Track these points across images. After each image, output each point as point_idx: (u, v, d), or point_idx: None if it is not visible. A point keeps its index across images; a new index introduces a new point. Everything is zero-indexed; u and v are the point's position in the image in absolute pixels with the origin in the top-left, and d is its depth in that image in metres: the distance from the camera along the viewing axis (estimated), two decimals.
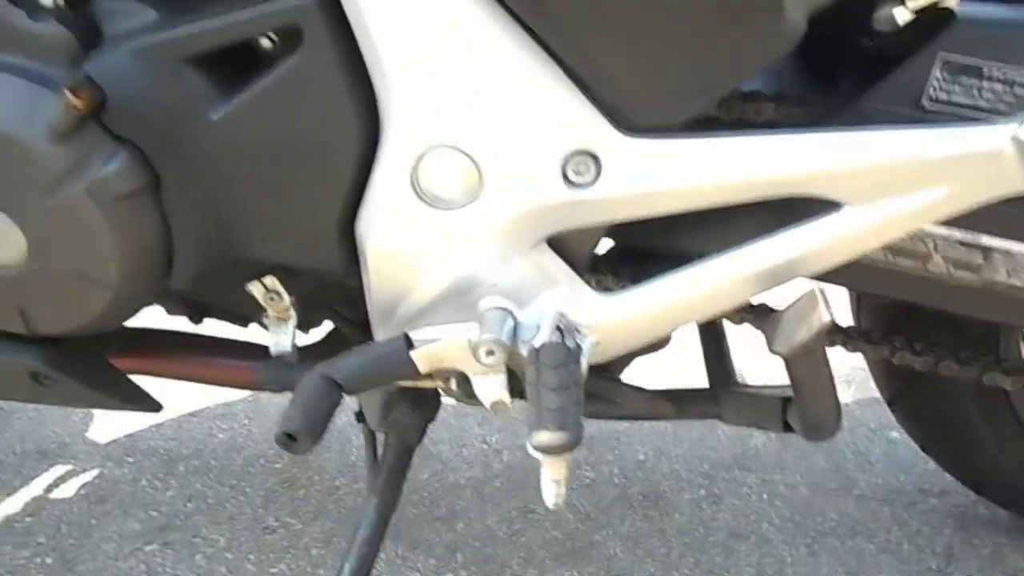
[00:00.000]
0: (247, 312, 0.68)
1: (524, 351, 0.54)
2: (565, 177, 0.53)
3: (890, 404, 0.85)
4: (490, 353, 0.55)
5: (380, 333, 0.61)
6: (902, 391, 0.82)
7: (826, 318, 0.51)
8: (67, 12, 0.54)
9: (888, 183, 0.51)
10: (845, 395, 1.11)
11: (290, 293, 0.65)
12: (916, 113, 0.54)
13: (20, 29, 0.53)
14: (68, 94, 0.51)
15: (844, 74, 0.59)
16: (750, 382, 0.73)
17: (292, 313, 0.66)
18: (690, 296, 0.56)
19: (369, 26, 0.49)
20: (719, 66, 0.49)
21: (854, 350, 0.69)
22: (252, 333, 0.72)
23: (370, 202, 0.55)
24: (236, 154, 0.54)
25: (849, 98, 0.56)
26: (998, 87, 0.53)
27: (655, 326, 0.58)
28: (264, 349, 0.69)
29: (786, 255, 0.54)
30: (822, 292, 0.54)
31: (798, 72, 0.60)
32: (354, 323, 0.72)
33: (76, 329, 0.60)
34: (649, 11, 0.47)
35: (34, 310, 0.59)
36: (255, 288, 0.64)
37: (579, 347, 0.54)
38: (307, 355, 0.71)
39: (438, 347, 0.57)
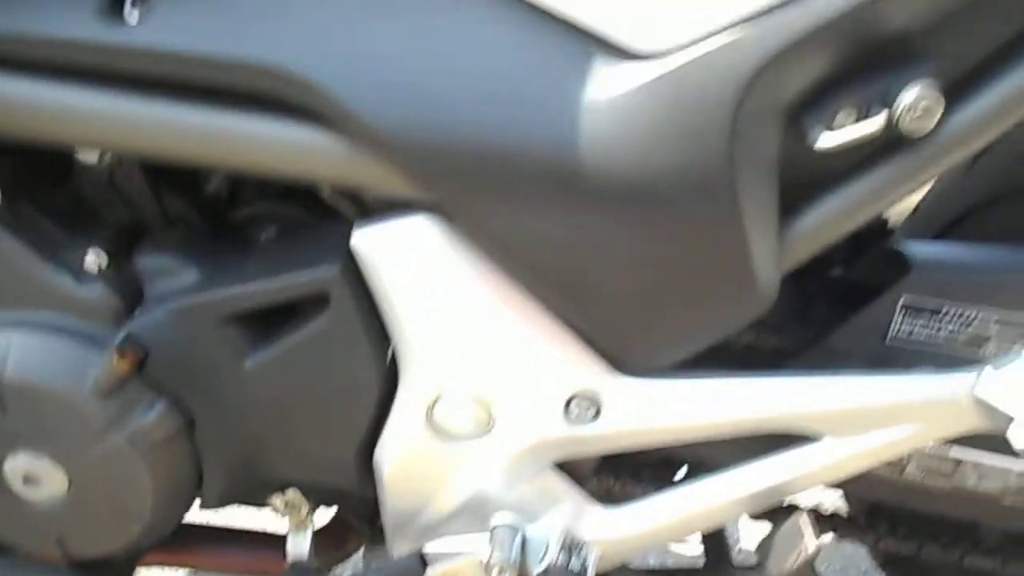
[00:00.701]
0: None
1: (534, 573, 0.59)
2: (568, 416, 0.58)
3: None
4: (502, 572, 0.59)
5: (395, 543, 0.65)
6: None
7: (812, 547, 0.56)
8: (112, 274, 0.59)
9: (863, 422, 0.56)
10: None
11: (309, 504, 0.69)
12: (881, 349, 0.60)
13: (69, 293, 0.58)
14: (114, 358, 0.56)
15: (817, 298, 0.66)
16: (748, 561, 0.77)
17: (310, 522, 0.70)
18: (686, 514, 0.61)
19: (389, 293, 0.55)
20: (699, 325, 0.55)
21: (842, 537, 0.73)
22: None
23: (388, 437, 0.60)
24: (266, 399, 0.59)
25: (822, 330, 0.62)
26: (954, 326, 0.59)
27: (654, 539, 0.63)
28: (283, 538, 0.73)
29: (776, 480, 0.59)
30: (809, 515, 0.59)
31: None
32: (364, 518, 0.77)
33: (111, 553, 0.64)
34: (632, 278, 0.53)
35: (72, 538, 0.63)
36: (276, 500, 0.68)
37: (584, 568, 0.59)
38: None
39: (452, 566, 0.61)
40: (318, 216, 0.62)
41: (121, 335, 0.57)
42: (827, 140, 0.48)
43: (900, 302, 0.59)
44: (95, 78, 0.50)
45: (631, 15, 0.48)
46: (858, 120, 0.48)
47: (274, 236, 0.63)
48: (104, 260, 0.59)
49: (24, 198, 0.59)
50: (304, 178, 0.54)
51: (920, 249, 0.62)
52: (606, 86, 0.49)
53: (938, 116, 0.47)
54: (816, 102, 0.48)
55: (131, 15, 0.49)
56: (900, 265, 0.62)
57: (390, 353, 0.59)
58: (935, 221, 0.67)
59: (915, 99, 0.47)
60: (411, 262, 0.54)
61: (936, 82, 0.47)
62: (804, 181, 0.53)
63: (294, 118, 0.51)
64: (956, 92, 0.49)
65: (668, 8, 0.47)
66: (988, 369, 0.53)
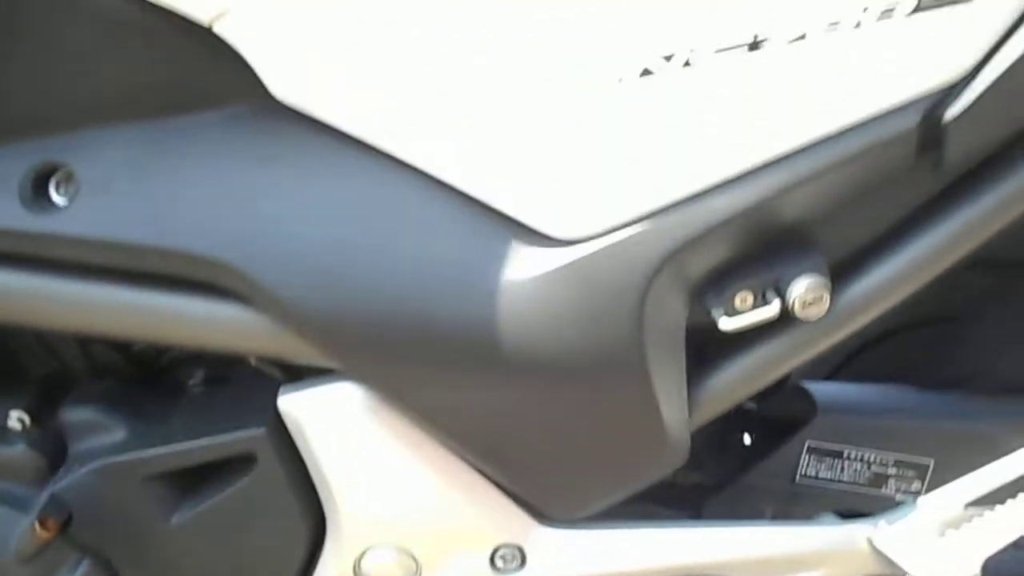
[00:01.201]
0: None
1: None
2: (494, 566, 0.60)
3: None
4: None
5: None
6: None
7: None
8: (35, 432, 0.59)
9: (771, 570, 0.59)
10: None
11: None
12: (790, 488, 0.64)
13: None
14: (37, 526, 0.55)
15: (733, 432, 0.69)
16: None
17: None
18: None
19: (316, 454, 0.56)
20: (615, 481, 0.57)
21: None
22: None
23: None
24: (193, 556, 0.60)
25: (738, 467, 0.65)
26: (856, 466, 0.63)
27: None
28: None
29: None
30: None
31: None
32: None
33: None
34: (549, 442, 0.55)
35: None
36: None
37: None
38: None
39: None
40: (246, 362, 0.63)
41: (44, 497, 0.57)
42: (727, 324, 0.51)
43: (805, 446, 0.63)
44: (21, 261, 0.51)
45: (548, 204, 0.50)
46: (755, 303, 0.51)
47: (201, 382, 0.64)
48: (27, 418, 0.59)
49: None
50: (230, 351, 0.55)
51: (823, 390, 0.66)
52: (523, 267, 0.51)
53: (827, 305, 0.51)
54: (717, 286, 0.52)
55: (57, 201, 0.50)
56: (807, 402, 0.66)
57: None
58: (835, 354, 0.72)
59: (804, 291, 0.50)
60: (336, 425, 0.56)
61: (824, 275, 0.51)
62: (710, 349, 0.56)
63: (217, 297, 0.52)
64: (845, 274, 0.53)
65: (583, 198, 0.50)
66: (882, 522, 0.57)
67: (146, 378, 0.64)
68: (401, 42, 0.48)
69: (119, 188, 0.50)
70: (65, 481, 0.58)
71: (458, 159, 0.50)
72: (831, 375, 0.73)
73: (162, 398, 0.62)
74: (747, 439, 0.68)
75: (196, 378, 0.64)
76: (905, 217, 0.54)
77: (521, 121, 0.49)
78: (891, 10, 0.45)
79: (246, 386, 0.61)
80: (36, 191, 0.50)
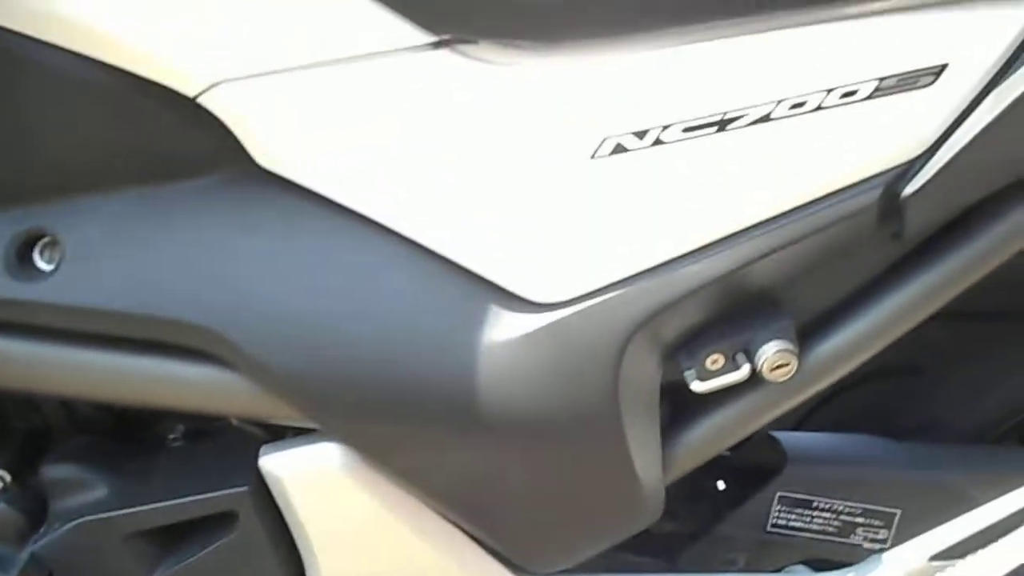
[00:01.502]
0: None
1: None
2: None
3: None
4: None
5: None
6: None
7: None
8: (16, 491, 0.59)
9: None
10: None
11: None
12: (762, 537, 0.66)
13: None
14: None
15: (708, 481, 0.71)
16: None
17: None
18: None
19: (297, 513, 0.57)
20: (593, 536, 0.59)
21: None
22: None
23: None
24: None
25: (712, 515, 0.67)
26: (826, 515, 0.65)
27: None
28: None
29: None
30: None
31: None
32: None
33: None
34: (528, 499, 0.57)
35: None
36: None
37: None
38: None
39: None
40: (226, 420, 0.63)
41: (25, 556, 0.57)
42: (699, 387, 0.53)
43: (776, 496, 0.65)
44: (4, 327, 0.51)
45: (526, 269, 0.52)
46: (726, 366, 0.53)
47: (182, 437, 0.64)
48: (7, 476, 0.59)
49: None
50: (215, 413, 0.56)
51: (793, 440, 0.68)
52: (501, 330, 0.52)
53: (794, 368, 0.53)
54: (689, 349, 0.53)
55: (42, 268, 0.51)
56: (777, 452, 0.68)
57: None
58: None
59: (773, 355, 0.52)
60: (317, 484, 0.57)
61: (791, 340, 0.53)
62: (683, 407, 0.58)
63: (200, 360, 0.53)
64: (813, 336, 0.55)
65: (561, 264, 0.52)
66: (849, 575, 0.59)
67: (126, 433, 0.65)
68: (385, 113, 0.50)
69: (103, 255, 0.51)
70: (46, 539, 0.58)
71: (439, 225, 0.52)
72: (799, 424, 0.75)
73: (142, 454, 0.63)
74: (720, 485, 0.70)
75: (176, 432, 0.65)
76: (869, 282, 0.56)
77: (500, 190, 0.51)
78: (852, 93, 0.48)
79: (227, 442, 0.62)
80: (21, 258, 0.51)
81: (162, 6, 0.47)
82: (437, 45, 0.51)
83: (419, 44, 0.50)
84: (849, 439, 0.70)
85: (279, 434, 0.59)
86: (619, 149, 0.48)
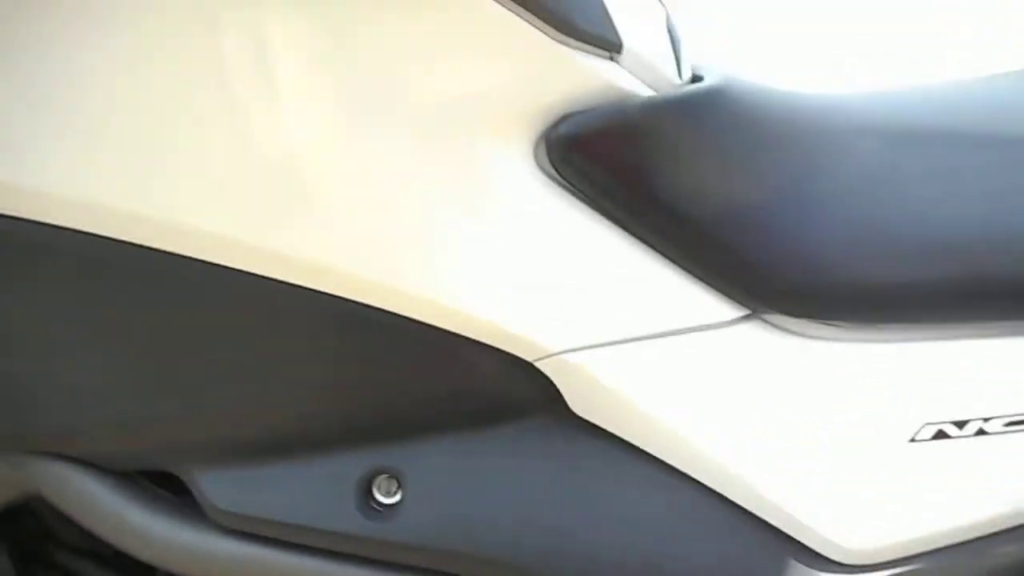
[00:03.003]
0: None
1: None
2: None
3: None
4: None
5: None
6: None
7: None
8: None
9: None
10: None
11: None
12: None
13: None
14: None
15: None
16: None
17: None
18: None
19: None
20: None
21: None
22: None
23: None
24: None
25: None
26: None
27: None
28: None
29: None
30: None
31: None
32: None
33: None
34: None
35: None
36: None
37: None
38: None
39: None
40: None
41: None
42: None
43: None
44: (350, 560, 0.57)
45: (832, 529, 0.54)
46: None
47: None
48: None
49: None
50: None
51: None
52: None
53: None
54: None
55: (384, 506, 0.57)
56: None
57: None
58: None
59: None
60: None
61: None
62: None
63: None
64: None
65: (869, 527, 0.54)
66: None
67: None
68: (699, 381, 0.54)
69: (440, 497, 0.56)
70: None
71: (747, 480, 0.55)
72: None
73: None
74: None
75: None
76: None
77: (812, 456, 0.53)
78: None
79: None
80: (366, 495, 0.57)
81: (510, 289, 0.53)
82: (749, 317, 0.55)
83: (733, 318, 0.54)
84: None
85: None
86: (940, 435, 0.51)
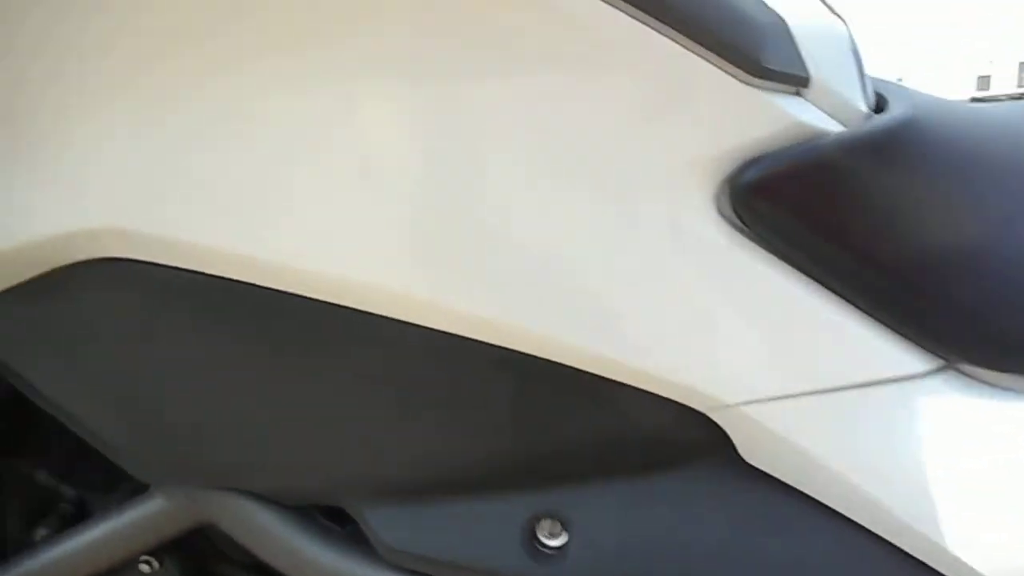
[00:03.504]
0: None
1: None
2: None
3: None
4: None
5: None
6: None
7: None
8: None
9: None
10: None
11: None
12: None
13: None
14: None
15: None
16: None
17: None
18: None
19: None
20: None
21: None
22: None
23: None
24: None
25: None
26: None
27: None
28: None
29: None
30: None
31: None
32: None
33: None
34: None
35: None
36: None
37: None
38: None
39: None
40: None
41: None
42: None
43: None
44: None
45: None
46: None
47: None
48: None
49: None
50: None
51: None
52: None
53: None
54: None
55: (549, 549, 0.56)
56: None
57: None
58: None
59: None
60: None
61: None
62: None
63: None
64: None
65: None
66: None
67: None
68: (886, 432, 0.51)
69: (605, 541, 0.56)
70: None
71: (929, 534, 0.52)
72: None
73: None
74: None
75: None
76: None
77: (1004, 510, 0.50)
78: None
79: None
80: (531, 537, 0.57)
81: (687, 341, 0.50)
82: (944, 368, 0.51)
83: (926, 370, 0.51)
84: None
85: None
86: None
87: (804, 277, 0.50)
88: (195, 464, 0.57)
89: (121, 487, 0.68)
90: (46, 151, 0.48)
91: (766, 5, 0.50)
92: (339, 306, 0.49)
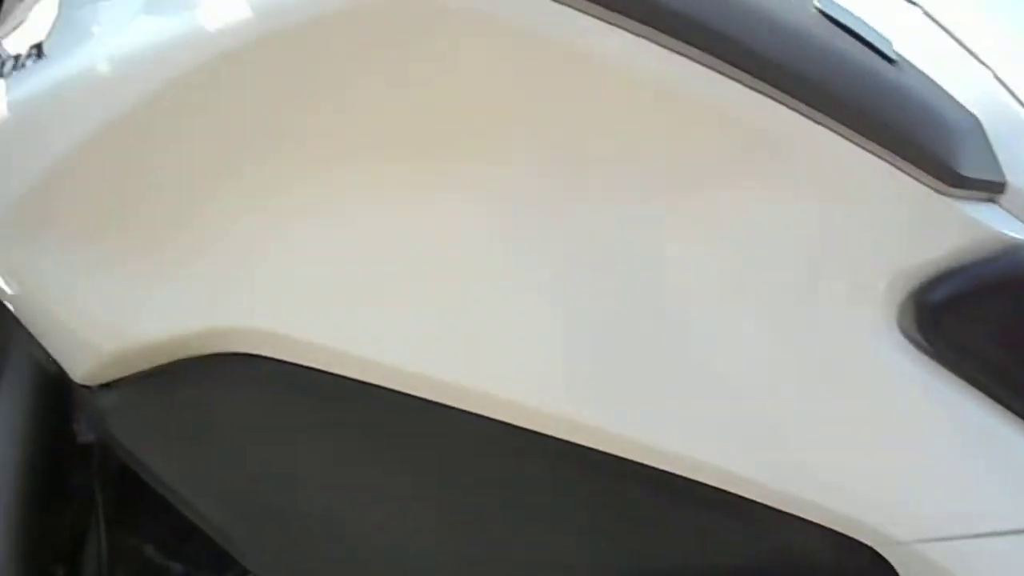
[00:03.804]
0: None
1: None
2: None
3: None
4: None
5: None
6: None
7: None
8: None
9: None
10: None
11: None
12: None
13: None
14: None
15: None
16: None
17: None
18: None
19: None
20: None
21: None
22: None
23: None
24: None
25: None
26: None
27: None
28: None
29: None
30: None
31: None
32: None
33: None
34: None
35: None
36: None
37: None
38: None
39: None
40: None
41: None
42: None
43: None
44: None
45: None
46: None
47: None
48: None
49: None
50: None
51: None
52: None
53: None
54: None
55: None
56: None
57: None
58: None
59: None
60: None
61: None
62: None
63: None
64: None
65: None
66: None
67: None
68: None
69: None
70: None
71: None
72: None
73: None
74: None
75: None
76: None
77: None
78: None
79: None
80: None
81: (857, 472, 0.46)
82: None
83: None
84: None
85: None
86: None
87: (998, 406, 0.45)
88: (314, 566, 0.55)
89: (232, 568, 0.66)
90: (186, 248, 0.47)
91: (957, 102, 0.45)
92: (485, 418, 0.46)
